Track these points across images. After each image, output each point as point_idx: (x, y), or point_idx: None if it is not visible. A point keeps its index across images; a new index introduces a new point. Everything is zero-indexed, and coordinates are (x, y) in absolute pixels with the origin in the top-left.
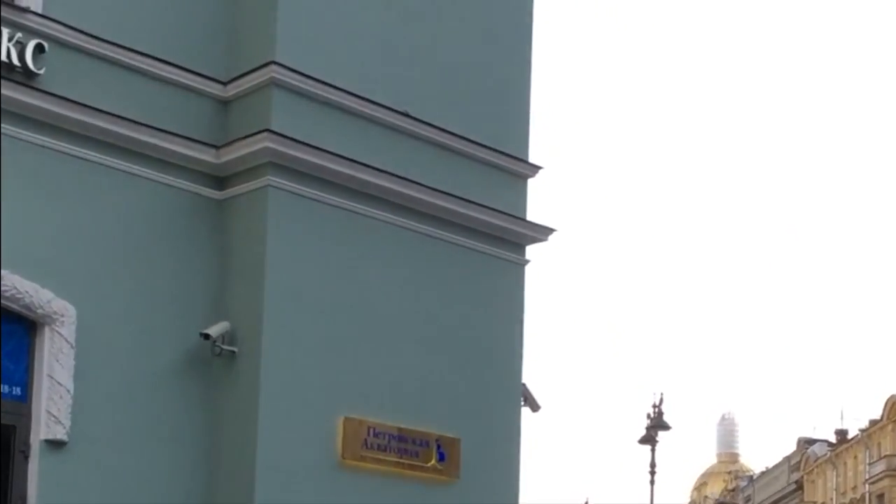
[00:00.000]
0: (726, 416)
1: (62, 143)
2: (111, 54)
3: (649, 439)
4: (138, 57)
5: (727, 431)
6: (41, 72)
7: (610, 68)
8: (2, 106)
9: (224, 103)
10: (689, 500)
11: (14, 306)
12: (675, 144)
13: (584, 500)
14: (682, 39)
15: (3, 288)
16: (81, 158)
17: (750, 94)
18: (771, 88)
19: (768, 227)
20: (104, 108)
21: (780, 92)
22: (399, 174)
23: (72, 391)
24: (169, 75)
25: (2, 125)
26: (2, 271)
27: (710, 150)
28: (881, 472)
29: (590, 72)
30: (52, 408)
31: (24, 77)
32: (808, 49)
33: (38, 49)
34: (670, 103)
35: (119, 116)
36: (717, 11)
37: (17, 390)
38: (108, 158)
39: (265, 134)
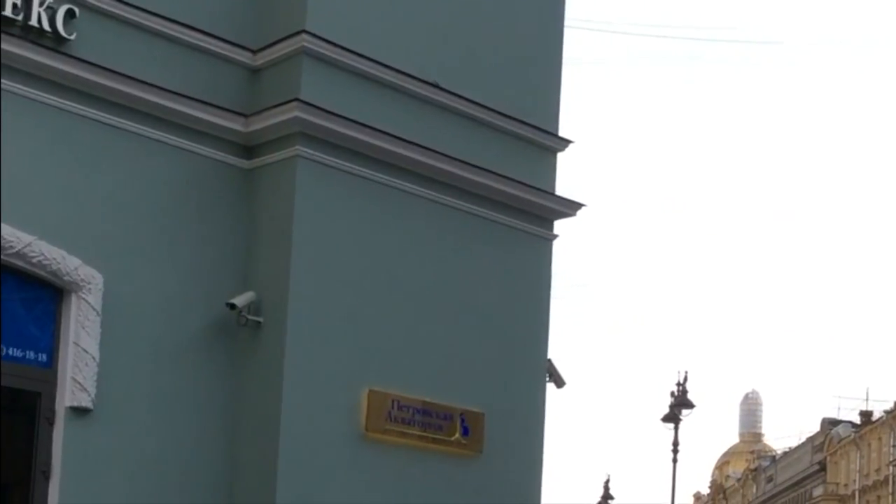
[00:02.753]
0: (750, 396)
1: (91, 110)
2: (141, 21)
3: (672, 417)
4: (168, 24)
5: (750, 411)
6: (72, 37)
7: (642, 45)
8: (31, 71)
9: (254, 72)
10: (710, 479)
11: (41, 273)
12: (706, 120)
13: (606, 477)
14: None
15: (30, 254)
16: (110, 125)
17: (789, 72)
18: (807, 71)
19: (797, 206)
20: (134, 75)
21: (818, 72)
22: (428, 146)
23: (97, 359)
24: (199, 43)
25: (31, 90)
26: (30, 238)
27: (740, 128)
28: None
29: (622, 47)
30: (77, 375)
31: (55, 42)
32: (822, 48)
33: (69, 14)
34: (701, 77)
35: (148, 84)
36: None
37: (43, 357)
38: (136, 126)
39: (295, 103)
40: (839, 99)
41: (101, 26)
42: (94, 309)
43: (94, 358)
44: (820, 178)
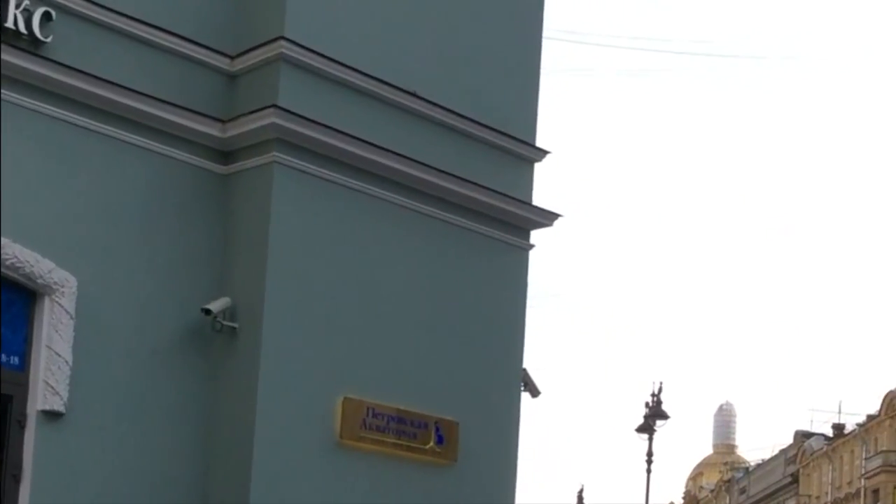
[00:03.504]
0: (724, 407)
1: (67, 113)
2: (119, 24)
3: (647, 428)
4: (146, 28)
5: (724, 422)
6: (48, 40)
7: (620, 56)
8: (7, 73)
9: (232, 77)
10: (684, 489)
11: (14, 275)
12: (682, 133)
13: (580, 487)
14: (695, 23)
15: (3, 257)
16: (86, 128)
17: (756, 87)
18: (781, 79)
19: (771, 219)
20: (110, 79)
21: (787, 84)
22: (405, 154)
23: (70, 362)
24: (176, 47)
25: (7, 92)
26: (3, 240)
27: (716, 139)
28: (877, 468)
29: (600, 59)
30: (49, 378)
31: (31, 45)
32: (802, 62)
33: (46, 17)
34: (679, 90)
35: (125, 87)
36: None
37: (16, 360)
38: (113, 129)
39: (272, 109)
40: (818, 111)
41: (78, 29)
42: (68, 312)
43: (67, 362)
44: (795, 190)
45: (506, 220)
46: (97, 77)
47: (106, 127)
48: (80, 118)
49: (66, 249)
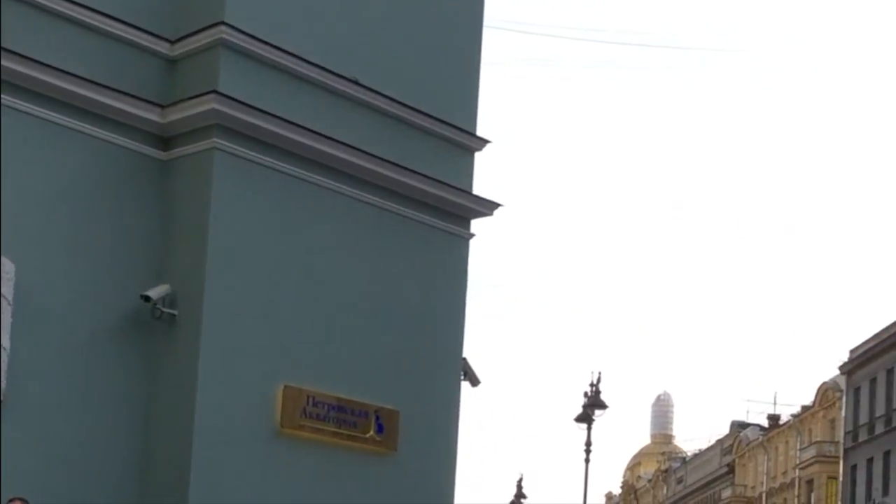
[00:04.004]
0: (661, 397)
1: (5, 97)
2: (58, 8)
3: (586, 418)
4: (86, 12)
5: (662, 412)
6: None
7: (574, 47)
8: None
9: (171, 62)
10: (622, 479)
11: None
12: (625, 122)
13: (520, 477)
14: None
15: None
16: (25, 112)
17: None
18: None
19: (709, 208)
20: (49, 63)
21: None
22: (346, 142)
23: (8, 348)
24: (116, 31)
25: None
26: None
27: (657, 127)
28: (811, 458)
29: (553, 50)
30: None
31: None
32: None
33: None
34: (625, 84)
35: (64, 71)
36: None
37: None
38: (52, 114)
39: (212, 95)
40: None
41: (18, 13)
42: (6, 298)
43: (4, 348)
44: (734, 179)
45: (446, 209)
46: (36, 61)
47: (45, 111)
48: (19, 102)
49: (3, 235)
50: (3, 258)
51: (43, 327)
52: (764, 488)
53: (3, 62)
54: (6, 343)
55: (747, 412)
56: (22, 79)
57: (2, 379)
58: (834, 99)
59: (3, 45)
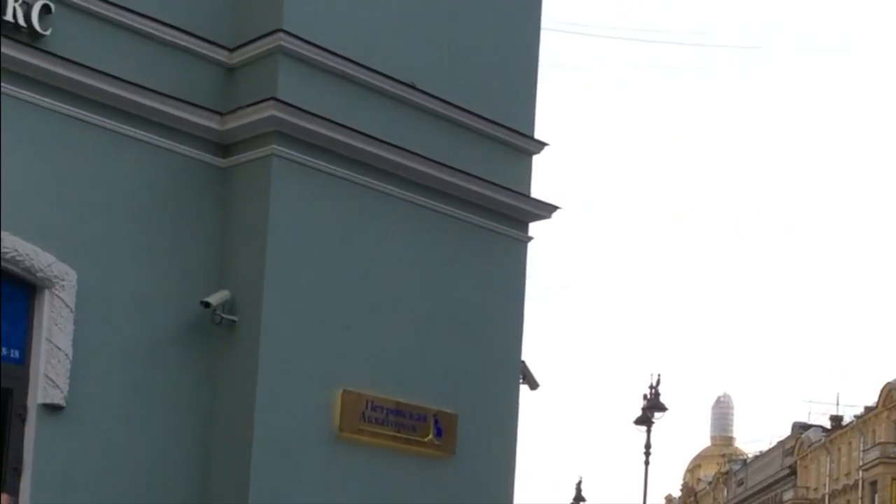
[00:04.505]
0: (722, 399)
1: (66, 106)
2: (117, 17)
3: (645, 420)
4: (145, 21)
5: (722, 414)
6: (47, 33)
7: (624, 49)
8: (6, 66)
9: (230, 70)
10: (682, 482)
11: (14, 269)
12: (683, 124)
13: (579, 479)
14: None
15: (3, 250)
16: (85, 121)
17: (752, 84)
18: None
19: (771, 213)
20: (109, 72)
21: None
22: (404, 147)
23: (70, 356)
24: (175, 40)
25: (6, 86)
26: (3, 233)
27: (718, 132)
28: (875, 459)
29: (604, 51)
30: (50, 372)
31: (30, 38)
32: (817, 43)
33: (45, 10)
34: (679, 82)
35: (124, 80)
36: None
37: (16, 353)
38: (112, 122)
39: (271, 102)
40: (819, 104)
41: (77, 22)
42: (68, 306)
43: (66, 355)
44: (797, 181)
45: (504, 213)
46: (96, 70)
47: (105, 120)
48: (79, 111)
49: (65, 243)
50: (65, 266)
51: (104, 334)
52: (826, 490)
53: (61, 70)
54: (68, 350)
55: (809, 413)
56: (81, 87)
57: (65, 386)
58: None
59: (61, 54)
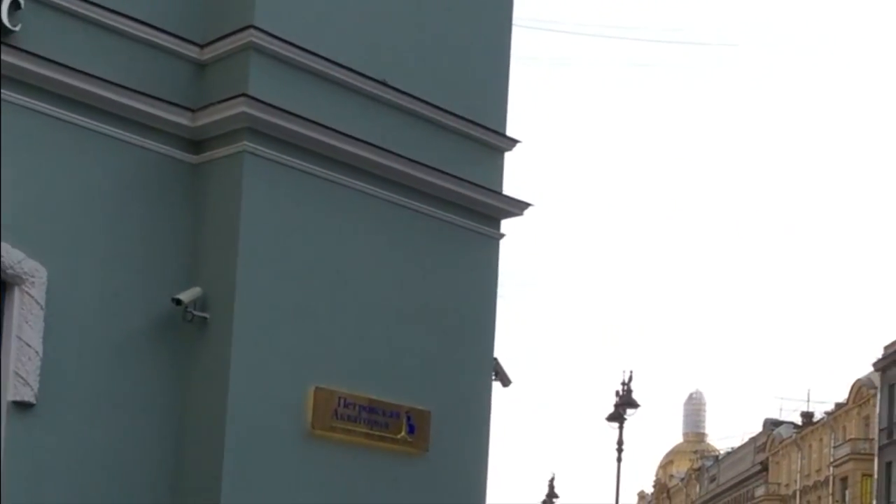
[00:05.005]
0: (694, 396)
1: (35, 102)
2: (88, 13)
3: (617, 417)
4: (115, 16)
5: (694, 411)
6: (16, 29)
7: (598, 46)
8: None
9: (201, 66)
10: (654, 478)
11: None
12: (655, 121)
13: (551, 476)
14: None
15: None
16: (55, 118)
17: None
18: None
19: (741, 208)
20: (79, 68)
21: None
22: (376, 143)
23: (41, 353)
24: (145, 36)
25: None
26: None
27: (690, 127)
28: (845, 456)
29: (577, 48)
30: (20, 369)
31: None
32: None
33: (14, 5)
34: (654, 83)
35: (94, 76)
36: None
37: None
38: (83, 119)
39: (242, 98)
40: (795, 102)
41: (47, 18)
42: (38, 303)
43: (37, 352)
44: (767, 179)
45: (476, 210)
46: (66, 66)
47: (75, 116)
48: (49, 108)
49: (36, 239)
50: (36, 263)
51: (74, 331)
52: (798, 486)
53: (30, 66)
54: (38, 348)
55: (780, 410)
56: (51, 83)
57: (35, 383)
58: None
59: (31, 50)
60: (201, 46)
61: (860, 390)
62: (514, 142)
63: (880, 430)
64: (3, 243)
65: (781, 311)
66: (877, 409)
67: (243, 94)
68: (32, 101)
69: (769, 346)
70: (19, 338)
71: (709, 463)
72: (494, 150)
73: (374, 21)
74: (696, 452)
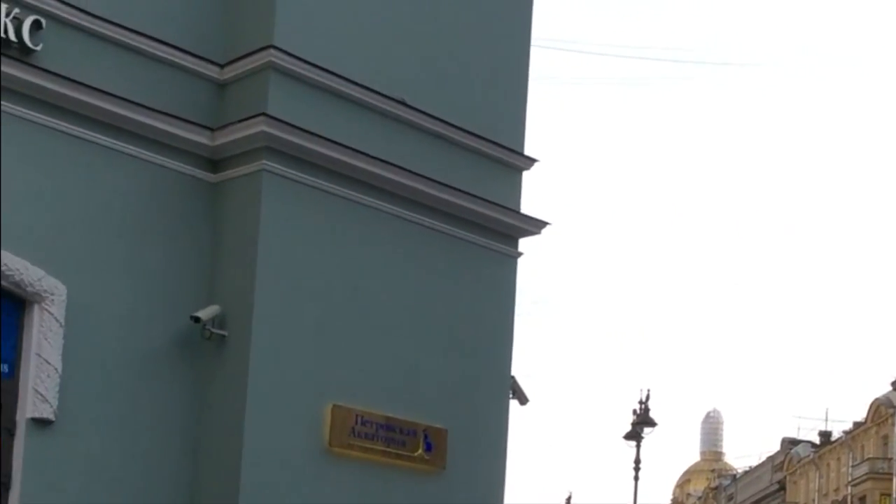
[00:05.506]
0: (711, 415)
1: (58, 121)
2: (109, 33)
3: (635, 435)
4: (136, 37)
5: (712, 429)
6: (38, 48)
7: (610, 64)
8: None
9: (221, 86)
10: (671, 497)
11: (4, 283)
12: (672, 141)
13: (568, 495)
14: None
15: None
16: (77, 137)
17: (742, 94)
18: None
19: (760, 227)
20: (100, 87)
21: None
22: (394, 162)
23: (60, 370)
24: (166, 56)
25: None
26: None
27: (705, 146)
28: (864, 475)
29: (589, 67)
30: (39, 386)
31: (21, 53)
32: (811, 49)
33: (36, 25)
34: (667, 100)
35: (115, 96)
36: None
37: (5, 367)
38: (103, 138)
39: (261, 118)
40: (811, 118)
41: (68, 38)
42: (58, 320)
43: (56, 369)
44: (784, 197)
45: (494, 228)
46: (87, 86)
47: (96, 135)
48: (71, 127)
49: (56, 257)
50: (55, 280)
51: (94, 349)
52: None
53: (51, 86)
54: (58, 365)
55: (798, 429)
56: (71, 102)
57: (54, 400)
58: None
59: (52, 69)
60: (221, 66)
61: (878, 409)
62: (532, 160)
63: None
64: (23, 261)
65: (799, 330)
66: (895, 428)
67: (262, 114)
68: (54, 121)
69: (787, 366)
70: (39, 355)
71: (726, 482)
72: (512, 168)
73: (393, 41)
74: (713, 471)
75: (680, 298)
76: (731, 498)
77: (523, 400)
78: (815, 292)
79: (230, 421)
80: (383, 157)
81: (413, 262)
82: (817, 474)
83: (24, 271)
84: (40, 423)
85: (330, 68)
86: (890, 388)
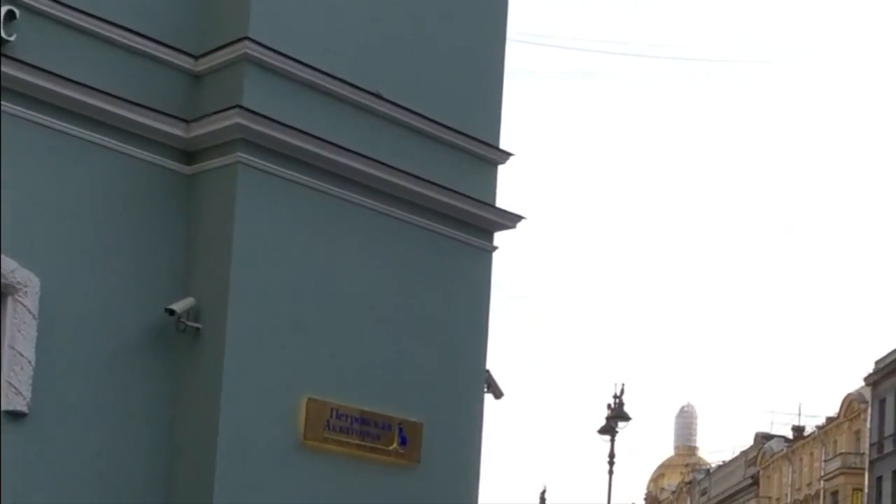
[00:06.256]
0: (685, 409)
1: (31, 112)
2: (83, 24)
3: (609, 429)
4: (110, 27)
5: (685, 424)
6: (11, 38)
7: (581, 58)
8: None
9: (196, 77)
10: (645, 491)
11: None
12: (646, 133)
13: (543, 488)
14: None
15: None
16: (50, 128)
17: (717, 83)
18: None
19: (733, 221)
20: (74, 78)
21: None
22: (369, 155)
23: (33, 362)
24: (140, 47)
25: None
26: None
27: (679, 141)
28: (836, 470)
29: (560, 60)
30: (12, 378)
31: None
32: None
33: (9, 16)
34: (639, 93)
35: (89, 87)
36: None
37: None
38: (76, 129)
39: (236, 110)
40: (793, 114)
41: (42, 28)
42: (31, 312)
43: (29, 362)
44: (761, 192)
45: (469, 222)
46: (61, 76)
47: (69, 126)
48: (44, 117)
49: (29, 249)
50: (29, 272)
51: (67, 341)
52: (788, 500)
53: (25, 76)
54: (31, 357)
55: (772, 424)
56: (45, 93)
57: (28, 393)
58: (870, 103)
59: (26, 60)
60: (196, 58)
61: (851, 405)
62: (507, 154)
63: (871, 445)
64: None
65: (773, 325)
66: (867, 423)
67: (237, 106)
68: (27, 112)
69: (761, 360)
70: (12, 347)
71: (700, 476)
72: (488, 162)
73: (369, 34)
74: (687, 466)
75: (655, 293)
76: (704, 492)
77: (498, 394)
78: (788, 288)
79: (205, 413)
80: (359, 151)
81: (388, 255)
82: (790, 469)
83: None
84: (14, 416)
85: (306, 61)
86: (862, 383)
